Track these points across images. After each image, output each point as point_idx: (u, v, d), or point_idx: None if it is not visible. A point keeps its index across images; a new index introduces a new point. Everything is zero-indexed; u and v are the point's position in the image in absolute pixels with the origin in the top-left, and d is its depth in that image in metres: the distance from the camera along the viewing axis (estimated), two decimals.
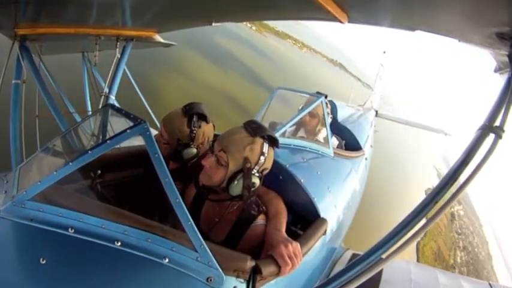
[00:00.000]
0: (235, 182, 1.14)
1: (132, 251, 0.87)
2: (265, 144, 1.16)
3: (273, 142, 1.19)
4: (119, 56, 2.45)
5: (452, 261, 22.88)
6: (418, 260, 18.36)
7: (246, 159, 1.12)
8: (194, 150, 1.51)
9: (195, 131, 1.47)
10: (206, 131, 1.53)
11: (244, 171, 1.13)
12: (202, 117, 1.50)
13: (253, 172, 1.15)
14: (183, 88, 9.14)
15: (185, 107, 1.48)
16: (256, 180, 1.17)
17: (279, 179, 1.58)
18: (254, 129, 1.15)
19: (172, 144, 1.49)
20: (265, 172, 1.21)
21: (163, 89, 8.34)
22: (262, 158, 1.15)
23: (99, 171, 1.46)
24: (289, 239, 1.09)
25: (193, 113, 1.46)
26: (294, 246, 1.04)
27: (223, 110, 9.19)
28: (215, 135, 1.58)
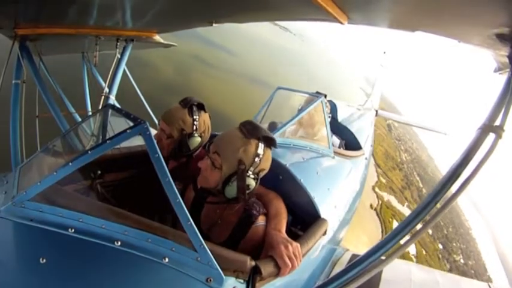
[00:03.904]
0: (230, 185, 1.13)
1: (132, 251, 0.87)
2: (260, 145, 1.14)
3: (270, 142, 1.16)
4: (119, 57, 2.45)
5: (399, 159, 28.00)
6: (374, 158, 20.92)
7: (240, 161, 1.10)
8: (199, 139, 1.57)
9: (197, 119, 1.55)
10: (206, 119, 1.61)
11: (238, 174, 1.11)
12: (201, 107, 1.58)
13: (248, 174, 1.13)
14: (168, 57, 12.53)
15: (182, 101, 1.57)
16: (252, 182, 1.14)
17: (279, 179, 1.57)
18: (249, 130, 1.14)
19: (176, 136, 1.53)
20: (262, 173, 1.18)
21: (154, 61, 11.61)
22: (257, 159, 1.12)
23: (99, 172, 1.46)
24: (289, 239, 1.08)
25: (192, 103, 1.55)
26: (294, 246, 1.04)
27: (192, 65, 14.07)
28: (212, 136, 1.60)
